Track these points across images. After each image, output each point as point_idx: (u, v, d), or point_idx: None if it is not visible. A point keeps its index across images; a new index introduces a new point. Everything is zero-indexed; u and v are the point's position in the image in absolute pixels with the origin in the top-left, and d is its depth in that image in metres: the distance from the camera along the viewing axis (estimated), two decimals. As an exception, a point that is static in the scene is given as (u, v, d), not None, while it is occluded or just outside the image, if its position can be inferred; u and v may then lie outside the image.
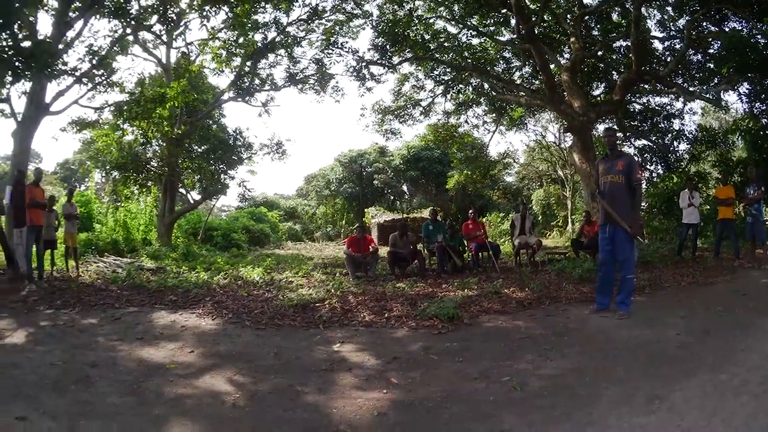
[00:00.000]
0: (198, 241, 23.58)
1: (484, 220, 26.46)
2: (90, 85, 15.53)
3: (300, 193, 54.31)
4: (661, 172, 21.89)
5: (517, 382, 4.67)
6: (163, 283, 10.45)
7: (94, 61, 14.53)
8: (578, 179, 23.88)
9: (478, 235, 13.66)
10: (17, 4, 11.60)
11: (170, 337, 6.70)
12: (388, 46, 19.83)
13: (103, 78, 15.84)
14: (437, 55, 20.86)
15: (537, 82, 21.05)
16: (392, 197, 45.50)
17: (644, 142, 22.80)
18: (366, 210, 37.08)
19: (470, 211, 14.75)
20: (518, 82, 21.78)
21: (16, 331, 7.14)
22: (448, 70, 21.75)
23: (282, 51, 21.65)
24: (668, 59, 19.32)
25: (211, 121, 24.35)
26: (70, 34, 14.37)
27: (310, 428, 3.93)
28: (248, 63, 21.37)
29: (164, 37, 20.27)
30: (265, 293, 9.56)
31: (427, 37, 20.29)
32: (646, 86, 20.41)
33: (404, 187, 44.93)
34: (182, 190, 24.83)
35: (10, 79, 12.07)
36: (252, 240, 28.61)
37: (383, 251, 14.06)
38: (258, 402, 4.45)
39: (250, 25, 19.27)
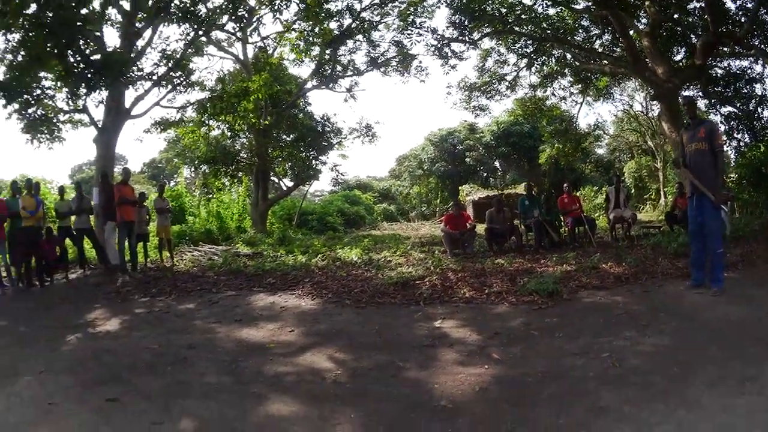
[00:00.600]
0: (293, 226, 24.01)
1: (578, 194, 25.61)
2: (169, 87, 15.91)
3: (393, 175, 54.23)
4: (748, 141, 20.44)
5: (615, 358, 4.56)
6: (261, 267, 10.52)
7: (170, 65, 14.90)
8: (669, 149, 22.67)
9: (573, 209, 13.36)
10: (79, 23, 11.99)
11: (270, 318, 6.78)
12: (466, 22, 19.19)
13: (181, 79, 16.15)
14: (516, 28, 20.14)
15: (618, 49, 20.07)
16: (485, 174, 44.68)
17: (730, 109, 21.30)
18: (460, 188, 36.84)
19: (565, 185, 14.49)
20: (600, 50, 20.75)
21: (109, 320, 7.42)
22: (528, 42, 20.97)
23: (360, 36, 21.51)
24: (743, 19, 17.86)
25: (297, 111, 24.38)
26: (141, 42, 14.76)
27: (412, 404, 3.87)
28: (327, 51, 21.29)
29: (239, 34, 20.54)
30: (364, 273, 9.52)
31: (503, 10, 19.52)
32: (726, 49, 19.01)
33: (496, 164, 44.19)
34: (274, 179, 25.05)
35: (84, 90, 12.77)
36: (347, 222, 28.83)
37: (479, 228, 13.87)
38: (359, 379, 4.41)
39: (323, 14, 19.17)
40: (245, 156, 23.24)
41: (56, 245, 11.59)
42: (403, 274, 8.66)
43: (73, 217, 12.30)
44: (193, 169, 27.61)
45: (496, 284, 7.78)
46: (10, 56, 14.54)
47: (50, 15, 11.72)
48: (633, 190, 31.97)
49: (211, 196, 23.54)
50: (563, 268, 8.86)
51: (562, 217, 13.64)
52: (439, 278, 8.40)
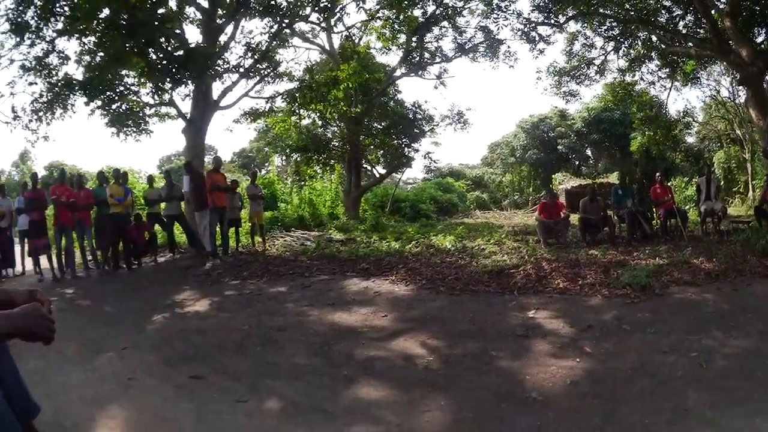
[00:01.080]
0: (386, 213, 23.83)
1: (669, 184, 24.56)
2: (257, 79, 16.21)
3: (485, 162, 53.56)
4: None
5: (702, 358, 4.32)
6: (355, 253, 10.50)
7: (255, 57, 15.16)
8: (758, 138, 21.29)
9: (666, 200, 12.74)
10: (156, 23, 12.47)
11: (363, 303, 6.70)
12: (550, 5, 18.90)
13: (268, 71, 16.44)
14: (600, 10, 19.45)
15: (701, 31, 19.08)
16: (577, 162, 43.72)
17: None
18: (553, 176, 35.91)
19: (657, 175, 13.81)
20: (683, 32, 19.81)
21: (198, 301, 7.56)
22: (613, 24, 20.42)
23: (445, 23, 21.14)
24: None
25: (387, 98, 24.27)
26: (223, 38, 15.08)
27: (503, 393, 3.75)
28: (414, 38, 21.06)
29: (323, 25, 20.49)
30: (458, 260, 9.35)
31: (586, -9, 19.49)
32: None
33: (588, 152, 43.06)
34: (367, 166, 25.11)
35: (169, 85, 13.28)
36: (440, 210, 28.47)
37: (573, 218, 13.57)
38: (451, 366, 4.31)
39: (406, 2, 18.94)
40: (337, 144, 23.33)
41: (145, 230, 11.92)
42: (498, 263, 8.46)
43: (162, 204, 12.67)
44: (284, 158, 28.08)
45: (590, 276, 7.55)
46: (87, 57, 15.36)
47: (125, 17, 12.17)
48: (722, 182, 30.21)
49: (303, 183, 23.68)
50: (655, 262, 8.47)
51: (655, 209, 13.10)
52: (534, 267, 8.17)
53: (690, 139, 39.12)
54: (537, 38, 20.00)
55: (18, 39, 15.70)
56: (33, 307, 1.95)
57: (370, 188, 24.64)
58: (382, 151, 24.31)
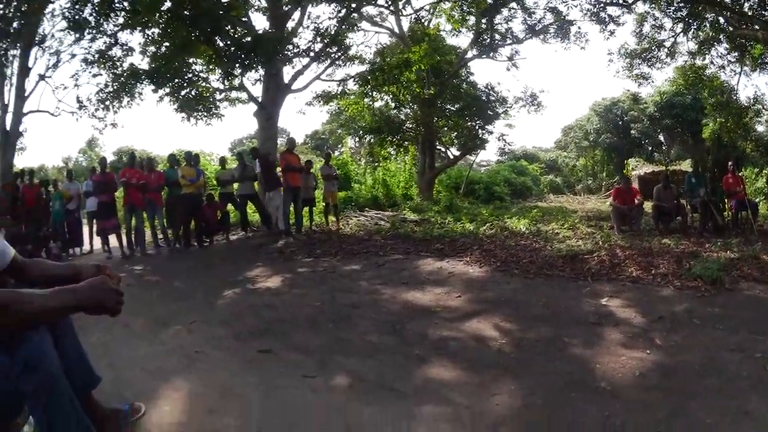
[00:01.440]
0: (460, 195, 23.74)
1: (740, 175, 23.52)
2: (327, 62, 16.38)
3: (559, 146, 53.13)
4: None
5: (767, 360, 3.99)
6: (429, 233, 10.46)
7: (325, 41, 15.26)
8: None
9: (738, 191, 12.22)
10: (221, 12, 12.78)
11: (437, 282, 6.58)
12: None
13: (338, 55, 16.53)
14: None
15: (766, 12, 18.43)
16: (650, 148, 42.47)
17: None
18: (626, 161, 35.17)
19: (729, 164, 13.35)
20: (749, 14, 18.95)
21: (270, 277, 7.59)
22: (681, 4, 19.77)
23: (513, 4, 20.84)
24: None
25: (459, 80, 24.16)
26: (291, 24, 15.28)
27: (572, 381, 3.60)
28: (483, 20, 20.81)
29: (391, 8, 20.52)
30: (532, 243, 9.21)
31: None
32: None
33: (661, 137, 41.67)
34: (441, 148, 24.94)
35: (239, 70, 13.65)
36: (514, 193, 28.36)
37: (646, 205, 13.33)
38: (524, 350, 4.17)
39: None
40: (411, 126, 23.39)
41: (217, 210, 12.30)
42: (572, 248, 8.27)
43: (236, 185, 12.90)
44: (357, 139, 28.33)
45: (663, 265, 7.24)
46: (152, 48, 15.79)
47: (188, 8, 12.49)
48: (791, 175, 28.91)
49: (377, 164, 23.86)
50: (727, 255, 8.03)
51: (726, 199, 12.60)
52: (607, 254, 7.94)
53: (760, 128, 37.78)
54: (607, 19, 19.71)
55: (77, 35, 16.43)
56: (101, 280, 1.99)
57: (444, 170, 24.53)
58: (455, 133, 24.29)
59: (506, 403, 3.25)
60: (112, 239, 11.89)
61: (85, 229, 13.53)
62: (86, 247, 13.38)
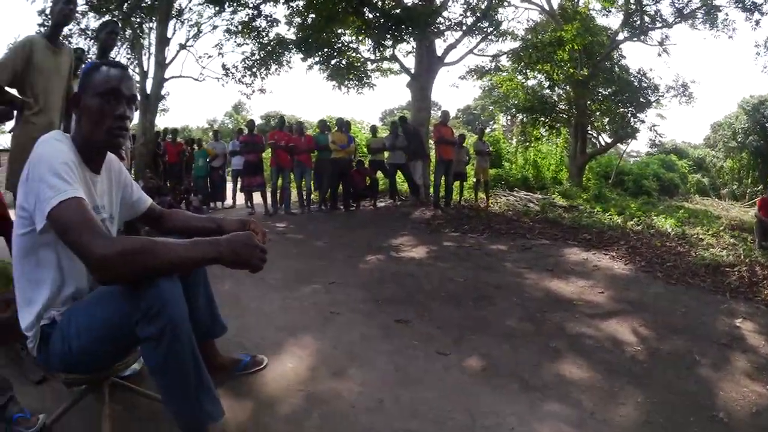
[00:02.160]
0: (609, 185, 23.32)
1: None
2: (480, 37, 16.35)
3: (708, 143, 50.25)
4: None
5: None
6: (577, 221, 10.36)
7: (477, 15, 15.23)
8: None
9: None
10: None
11: (581, 274, 6.42)
12: None
13: (490, 29, 16.44)
14: None
15: None
16: None
17: None
18: None
19: None
20: None
21: (415, 247, 7.68)
22: None
23: None
24: None
25: (611, 63, 23.50)
26: None
27: (695, 404, 3.34)
28: (632, 0, 20.13)
29: None
30: (677, 246, 8.81)
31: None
32: None
33: None
34: (593, 133, 24.52)
35: (390, 42, 13.97)
36: (661, 189, 27.56)
37: None
38: (656, 361, 3.92)
39: None
40: (563, 107, 23.10)
41: (366, 176, 12.78)
42: (715, 258, 7.74)
43: (386, 153, 13.22)
44: (509, 117, 28.12)
45: None
46: (298, 19, 16.22)
47: None
48: None
49: (528, 144, 23.57)
50: None
51: None
52: (747, 270, 7.36)
53: None
54: (751, 6, 18.58)
55: (217, 8, 17.21)
56: (246, 235, 2.02)
57: (594, 156, 24.09)
58: (607, 119, 23.61)
59: (630, 416, 3.10)
60: (256, 197, 12.53)
61: (229, 186, 14.38)
62: (228, 202, 14.24)
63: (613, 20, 22.77)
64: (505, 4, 18.14)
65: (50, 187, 1.82)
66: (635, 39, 21.40)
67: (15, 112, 4.11)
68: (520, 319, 4.49)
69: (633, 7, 20.10)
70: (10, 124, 4.66)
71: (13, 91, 3.96)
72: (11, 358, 3.31)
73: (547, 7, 21.42)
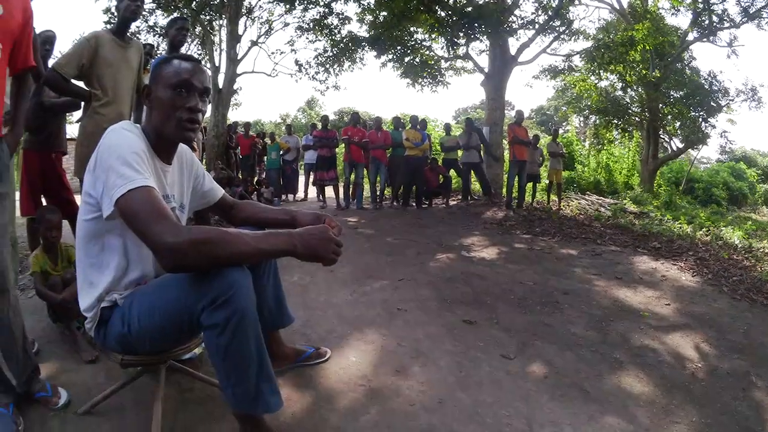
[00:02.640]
0: (679, 192, 22.71)
1: None
2: (553, 36, 16.12)
3: None
4: None
5: None
6: (648, 228, 10.20)
7: (549, 13, 15.02)
8: None
9: None
10: None
11: (649, 284, 6.27)
12: None
13: (562, 28, 16.24)
14: None
15: None
16: None
17: None
18: None
19: None
20: None
21: (486, 248, 7.65)
22: None
23: None
24: None
25: (682, 65, 23.03)
26: None
27: (743, 429, 3.21)
28: None
29: None
30: (743, 260, 8.49)
31: None
32: None
33: None
34: (664, 137, 24.02)
35: (463, 40, 13.99)
36: (730, 198, 27.04)
37: None
38: (714, 380, 3.78)
39: None
40: (636, 110, 22.71)
41: (439, 174, 12.71)
42: None
43: (460, 152, 13.22)
44: (582, 119, 27.73)
45: None
46: (369, 17, 16.28)
47: None
48: None
49: (601, 147, 23.17)
50: None
51: None
52: None
53: None
54: None
55: (288, 6, 17.44)
56: (321, 228, 2.04)
57: (666, 162, 23.76)
58: (679, 123, 23.03)
59: (683, 436, 2.99)
60: (329, 191, 12.68)
61: (301, 179, 14.61)
62: (300, 195, 14.48)
63: (682, 20, 22.21)
64: (576, 2, 18.01)
65: (119, 176, 1.85)
66: (704, 39, 20.99)
67: (83, 104, 4.26)
68: (586, 327, 4.44)
69: (701, 5, 19.59)
70: (77, 115, 4.82)
71: (80, 84, 4.09)
72: (66, 335, 3.45)
73: (617, 6, 21.22)
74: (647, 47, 17.61)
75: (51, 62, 4.60)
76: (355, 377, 3.06)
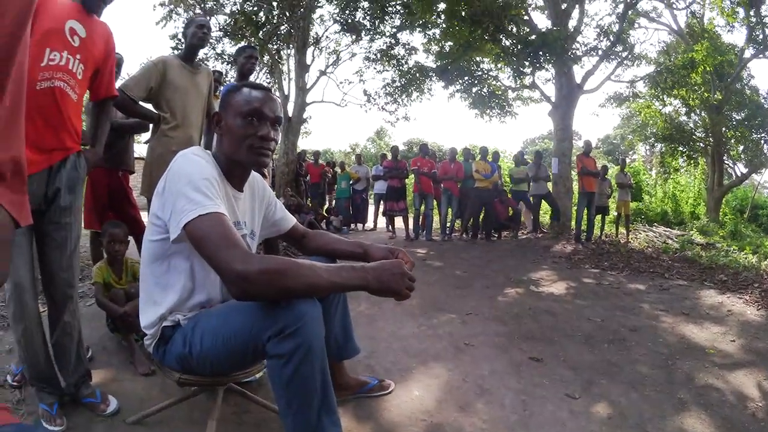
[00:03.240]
0: (744, 220, 21.97)
1: None
2: (615, 62, 15.93)
3: None
4: None
5: None
6: (715, 260, 9.97)
7: (610, 39, 14.95)
8: None
9: None
10: (500, 9, 13.21)
11: (715, 320, 6.13)
12: None
13: (624, 54, 16.07)
14: None
15: None
16: None
17: None
18: None
19: None
20: None
21: (555, 283, 7.59)
22: None
23: None
24: None
25: (741, 84, 22.10)
26: (572, 23, 14.96)
27: None
28: (751, 12, 18.50)
29: (664, 2, 19.55)
30: None
31: None
32: None
33: None
34: (728, 162, 23.25)
35: (529, 69, 14.00)
36: None
37: None
38: None
39: None
40: (700, 135, 22.03)
41: (508, 207, 12.71)
42: None
43: (531, 183, 13.14)
44: (648, 147, 27.15)
45: None
46: (435, 47, 16.41)
47: (465, 7, 13.03)
48: None
49: (667, 176, 22.59)
50: None
51: None
52: None
53: None
54: None
55: (354, 37, 17.69)
56: (394, 263, 2.00)
57: (731, 188, 22.80)
58: (741, 147, 22.28)
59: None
60: (398, 221, 12.76)
61: (371, 209, 14.73)
62: (369, 224, 14.58)
63: (737, 36, 21.58)
64: (636, 25, 17.89)
65: (189, 201, 1.87)
66: (760, 56, 19.96)
67: (151, 126, 4.35)
68: (652, 365, 4.36)
69: (753, 19, 18.84)
70: (145, 136, 4.91)
71: (148, 106, 4.19)
72: (124, 346, 3.61)
73: (675, 27, 20.86)
74: (707, 68, 17.29)
75: (118, 83, 4.78)
76: (418, 412, 3.05)
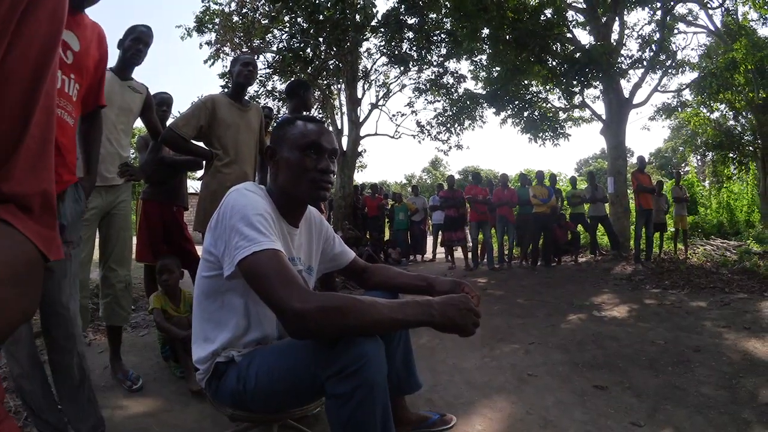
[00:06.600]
0: None
1: None
2: (661, 72, 15.84)
3: None
4: None
5: None
6: None
7: (652, 49, 14.75)
8: None
9: None
10: (543, 30, 13.29)
11: (776, 332, 5.91)
12: None
13: (668, 62, 15.93)
14: None
15: None
16: None
17: None
18: None
19: None
20: None
21: (617, 306, 7.45)
22: None
23: None
24: None
25: None
26: (613, 36, 14.79)
27: None
28: None
29: (699, 2, 19.07)
30: None
31: None
32: None
33: None
34: None
35: (577, 88, 13.92)
36: None
37: None
38: None
39: None
40: (748, 139, 21.36)
41: (567, 230, 12.65)
42: None
43: (587, 205, 13.07)
44: (699, 157, 26.43)
45: None
46: (483, 73, 16.41)
47: (509, 31, 13.09)
48: None
49: (720, 185, 21.93)
50: None
51: None
52: None
53: None
54: None
55: (402, 68, 17.82)
56: (461, 298, 1.91)
57: None
58: None
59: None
60: (457, 251, 12.72)
61: (429, 240, 14.74)
62: (428, 255, 14.58)
63: None
64: (675, 30, 17.72)
65: (243, 237, 1.82)
66: None
67: (204, 163, 4.39)
68: (716, 386, 4.22)
69: None
70: (199, 173, 5.05)
71: (200, 144, 4.26)
72: (176, 377, 3.76)
73: (712, 27, 20.31)
74: (749, 66, 16.70)
75: (168, 122, 4.76)
76: (481, 447, 2.95)
